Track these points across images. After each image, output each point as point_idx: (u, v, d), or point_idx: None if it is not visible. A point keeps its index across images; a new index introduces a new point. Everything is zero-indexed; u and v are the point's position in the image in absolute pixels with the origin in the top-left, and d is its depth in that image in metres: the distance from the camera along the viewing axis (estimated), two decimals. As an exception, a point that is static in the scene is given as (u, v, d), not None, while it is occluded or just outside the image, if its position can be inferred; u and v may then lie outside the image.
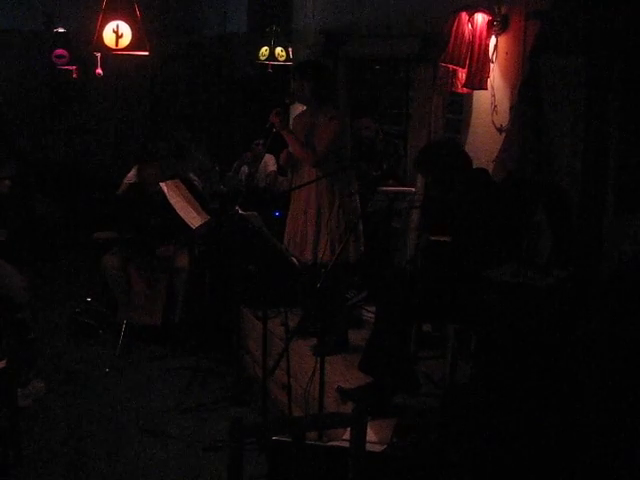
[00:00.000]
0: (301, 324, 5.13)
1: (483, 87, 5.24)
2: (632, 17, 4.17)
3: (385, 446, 3.68)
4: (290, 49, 8.44)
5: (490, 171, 4.72)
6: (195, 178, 6.67)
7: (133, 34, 4.83)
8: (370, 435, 3.45)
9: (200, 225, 5.42)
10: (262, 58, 8.59)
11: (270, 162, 7.70)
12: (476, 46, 5.15)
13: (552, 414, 3.43)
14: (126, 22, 4.82)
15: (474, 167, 4.39)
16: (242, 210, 4.30)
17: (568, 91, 4.62)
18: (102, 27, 4.81)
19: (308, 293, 5.16)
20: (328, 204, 4.83)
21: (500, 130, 5.22)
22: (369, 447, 2.92)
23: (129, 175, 6.82)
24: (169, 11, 9.74)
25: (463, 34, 5.16)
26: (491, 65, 5.22)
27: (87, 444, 4.62)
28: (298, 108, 5.39)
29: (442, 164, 4.19)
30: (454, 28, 5.18)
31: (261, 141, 7.55)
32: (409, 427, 3.87)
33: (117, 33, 4.82)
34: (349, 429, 2.50)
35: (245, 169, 7.86)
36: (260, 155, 7.43)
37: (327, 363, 4.08)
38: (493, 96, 5.26)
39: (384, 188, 5.72)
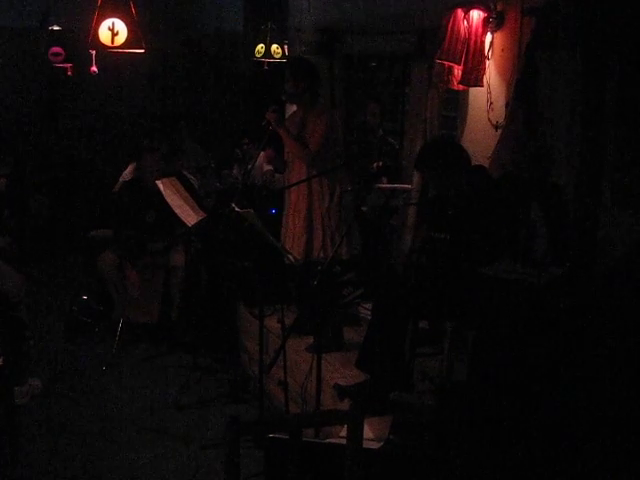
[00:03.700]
0: (297, 322, 5.12)
1: (479, 84, 5.25)
2: (628, 12, 4.17)
3: (382, 443, 3.68)
4: (286, 46, 8.44)
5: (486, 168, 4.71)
6: (191, 176, 6.67)
7: (129, 32, 4.82)
8: (367, 432, 3.46)
9: (196, 223, 5.43)
10: (258, 55, 8.59)
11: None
12: (472, 43, 5.16)
13: (548, 411, 3.43)
14: (122, 20, 4.82)
15: (473, 164, 4.39)
16: (238, 207, 4.30)
17: (564, 87, 4.62)
18: (98, 25, 4.81)
19: (303, 291, 5.16)
20: (319, 202, 4.83)
21: (496, 127, 5.22)
22: (366, 444, 2.92)
23: (125, 173, 6.81)
24: (165, 8, 9.73)
25: (459, 31, 5.16)
26: (487, 62, 5.22)
27: (84, 442, 4.62)
28: (293, 106, 5.39)
29: (442, 162, 4.19)
30: (450, 25, 5.19)
31: (248, 140, 7.56)
32: (406, 424, 3.87)
33: (113, 31, 4.82)
34: (346, 426, 2.50)
35: (236, 168, 7.87)
36: (249, 154, 7.42)
37: (324, 360, 4.08)
38: (489, 93, 5.27)
39: (380, 185, 5.72)
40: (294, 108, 5.26)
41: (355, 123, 6.36)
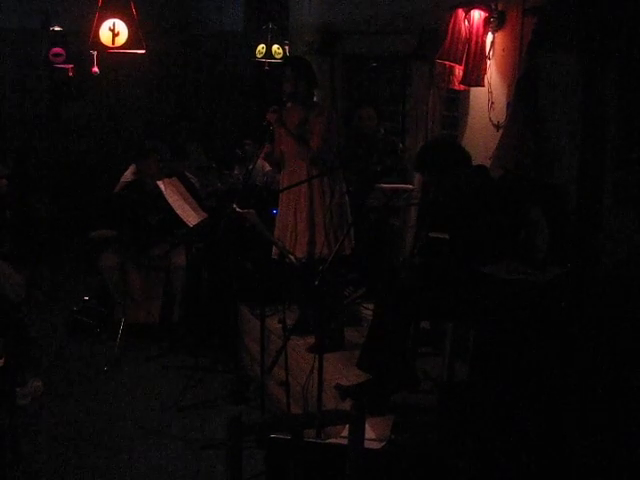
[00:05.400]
0: (299, 322, 5.12)
1: (480, 84, 5.24)
2: (629, 13, 4.17)
3: (383, 443, 3.68)
4: (287, 47, 8.44)
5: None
6: (191, 176, 6.67)
7: (129, 32, 4.83)
8: (368, 432, 3.45)
9: (197, 223, 5.43)
10: (259, 56, 8.59)
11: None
12: (473, 43, 5.15)
13: (549, 411, 3.43)
14: (122, 20, 4.83)
15: (474, 164, 4.38)
16: (239, 208, 4.30)
17: (565, 87, 4.62)
18: (98, 25, 4.81)
19: (305, 290, 5.15)
20: (320, 201, 4.83)
21: (497, 127, 5.22)
22: (367, 444, 2.92)
23: (126, 174, 6.81)
24: (165, 8, 9.73)
25: (460, 31, 5.16)
26: (488, 62, 5.21)
27: (85, 443, 4.62)
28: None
29: (442, 162, 4.18)
30: (451, 25, 5.18)
31: (250, 141, 7.56)
32: (407, 424, 3.87)
33: (113, 31, 4.82)
34: (347, 426, 2.50)
35: (237, 168, 7.87)
36: (250, 154, 7.42)
37: (325, 360, 4.07)
38: (490, 93, 5.26)
39: (382, 185, 5.71)
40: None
41: (354, 125, 6.32)
